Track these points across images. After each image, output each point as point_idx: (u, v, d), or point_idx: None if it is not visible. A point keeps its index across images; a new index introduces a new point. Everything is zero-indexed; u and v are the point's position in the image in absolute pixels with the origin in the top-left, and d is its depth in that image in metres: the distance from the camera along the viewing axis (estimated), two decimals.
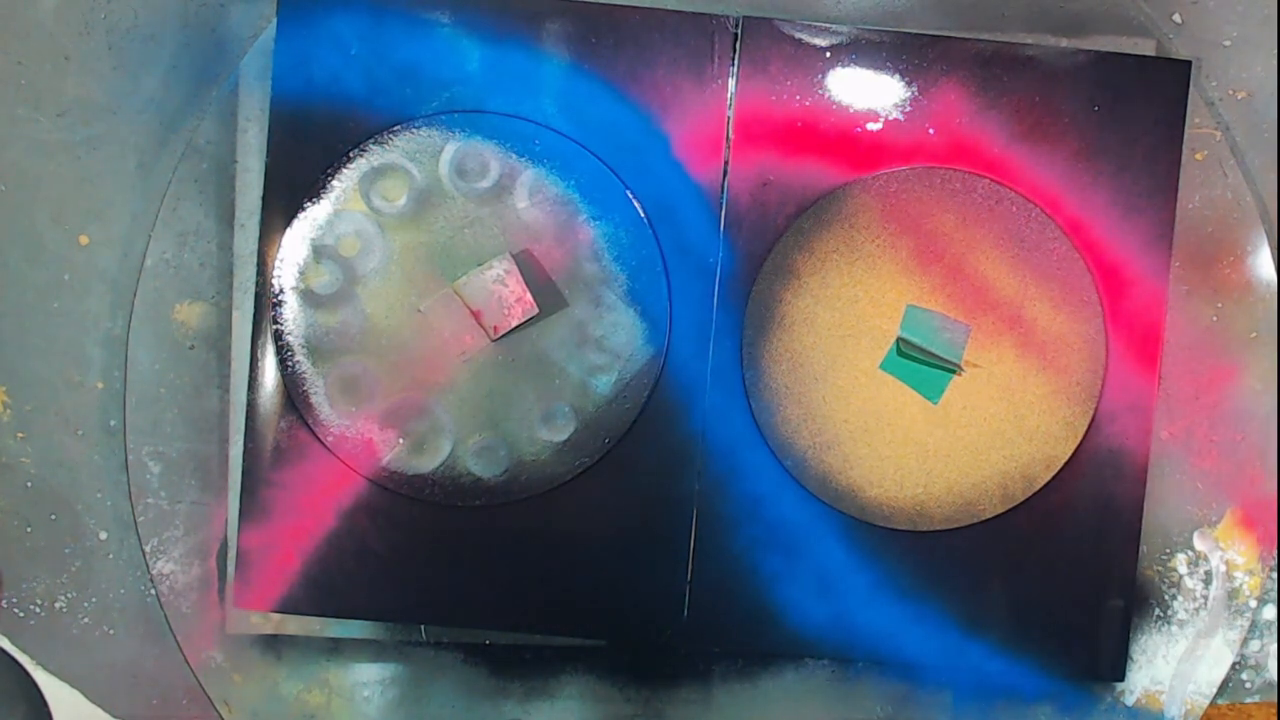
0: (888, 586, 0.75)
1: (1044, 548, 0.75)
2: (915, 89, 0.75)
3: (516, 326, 0.73)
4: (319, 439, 0.75)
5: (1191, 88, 0.75)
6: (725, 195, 0.75)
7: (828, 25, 0.75)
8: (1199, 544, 0.77)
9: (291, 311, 0.75)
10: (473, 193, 0.75)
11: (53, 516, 0.78)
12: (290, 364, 0.75)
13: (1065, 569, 0.75)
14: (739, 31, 0.74)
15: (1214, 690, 0.77)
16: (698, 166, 0.75)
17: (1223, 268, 0.76)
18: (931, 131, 0.75)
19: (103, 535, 0.78)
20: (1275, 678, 0.79)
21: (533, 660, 0.78)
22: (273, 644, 0.77)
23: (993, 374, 0.75)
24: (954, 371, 0.74)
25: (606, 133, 0.75)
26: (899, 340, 0.74)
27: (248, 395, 0.75)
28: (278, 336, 0.75)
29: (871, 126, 0.75)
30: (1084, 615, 0.75)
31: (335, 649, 0.78)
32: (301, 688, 0.78)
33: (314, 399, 0.75)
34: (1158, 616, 0.77)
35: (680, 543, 0.75)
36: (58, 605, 0.78)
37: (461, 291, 0.73)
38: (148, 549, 0.77)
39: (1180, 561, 0.77)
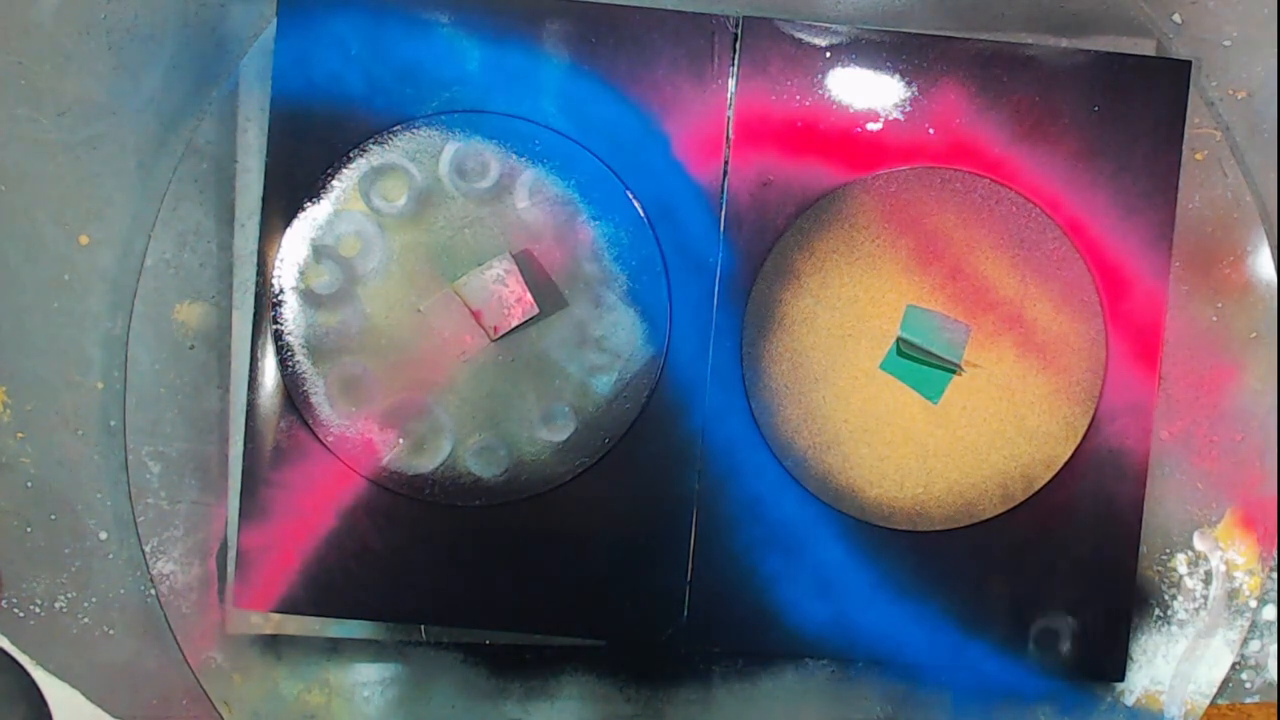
0: (888, 586, 0.75)
1: (1044, 548, 0.75)
2: (915, 89, 0.75)
3: (516, 326, 0.73)
4: (319, 439, 0.75)
5: (1191, 88, 0.75)
6: (725, 195, 0.75)
7: (828, 25, 0.75)
8: (1199, 544, 0.77)
9: (291, 311, 0.75)
10: (473, 193, 0.75)
11: (53, 516, 0.78)
12: (290, 364, 0.75)
13: (1065, 569, 0.75)
14: (739, 31, 0.74)
15: (1214, 690, 0.77)
16: (698, 166, 0.75)
17: (1223, 268, 0.76)
18: (931, 131, 0.75)
19: (103, 535, 0.78)
20: (1275, 678, 0.79)
21: (533, 660, 0.78)
22: (273, 644, 0.77)
23: (993, 374, 0.75)
24: (954, 371, 0.74)
25: (606, 133, 0.75)
26: (899, 340, 0.74)
27: (248, 395, 0.75)
28: (278, 336, 0.75)
29: (871, 126, 0.75)
30: (1084, 615, 0.75)
31: (335, 649, 0.78)
32: (301, 688, 0.78)
33: (314, 399, 0.75)
34: (1158, 616, 0.77)
35: (680, 543, 0.75)
36: (58, 605, 0.78)
37: (461, 291, 0.73)
38: (148, 549, 0.77)
39: (1180, 561, 0.77)
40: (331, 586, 0.75)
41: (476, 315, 0.73)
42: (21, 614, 0.78)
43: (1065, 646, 0.75)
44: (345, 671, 0.78)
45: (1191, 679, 0.77)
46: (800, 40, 0.75)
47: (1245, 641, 0.78)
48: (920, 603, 0.75)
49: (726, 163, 0.75)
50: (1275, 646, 0.79)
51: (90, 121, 0.77)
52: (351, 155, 0.74)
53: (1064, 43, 0.76)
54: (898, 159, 0.75)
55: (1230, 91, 0.78)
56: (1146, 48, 0.76)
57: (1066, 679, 0.76)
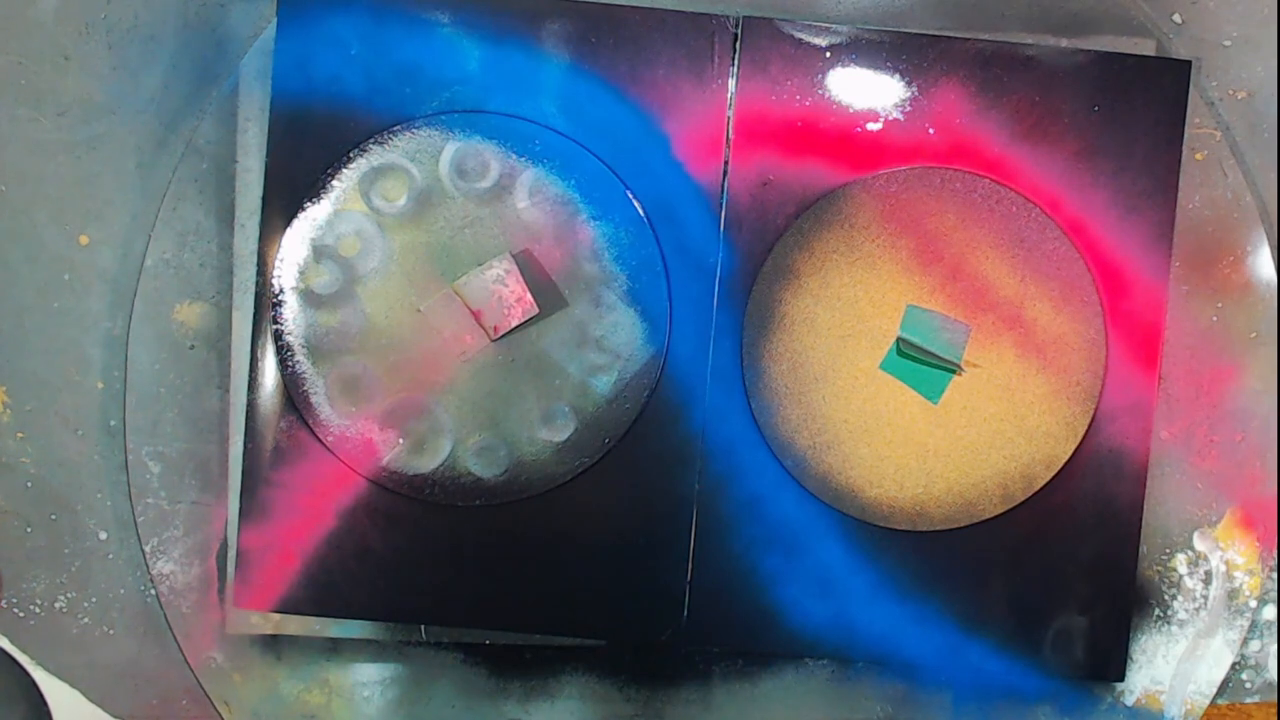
0: (888, 586, 0.75)
1: (1044, 548, 0.75)
2: (915, 89, 0.75)
3: (516, 326, 0.73)
4: (319, 439, 0.75)
5: (1191, 88, 0.75)
6: (725, 195, 0.75)
7: (828, 25, 0.75)
8: (1199, 544, 0.77)
9: (291, 311, 0.75)
10: (473, 193, 0.75)
11: (53, 516, 0.78)
12: (290, 364, 0.75)
13: (1065, 569, 0.75)
14: (739, 31, 0.74)
15: (1214, 690, 0.77)
16: (698, 166, 0.75)
17: (1223, 268, 0.77)
18: (931, 131, 0.75)
19: (103, 535, 0.78)
20: (1275, 678, 0.79)
21: (533, 660, 0.78)
22: (273, 644, 0.77)
23: (993, 374, 0.75)
24: (954, 371, 0.74)
25: (606, 133, 0.75)
26: (899, 340, 0.74)
27: (248, 395, 0.75)
28: (278, 336, 0.75)
29: (871, 126, 0.75)
30: (1084, 615, 0.75)
31: (335, 649, 0.78)
32: (301, 688, 0.78)
33: (314, 399, 0.75)
34: (1158, 616, 0.77)
35: (680, 543, 0.75)
36: (58, 605, 0.78)
37: (461, 291, 0.73)
38: (148, 549, 0.77)
39: (1180, 561, 0.77)
40: (331, 586, 0.75)
41: (476, 315, 0.73)
42: (21, 614, 0.78)
43: (1065, 646, 0.75)
44: (345, 671, 0.78)
45: (1191, 679, 0.77)
46: (800, 40, 0.75)
47: (1245, 641, 0.78)
48: (920, 603, 0.75)
49: (726, 163, 0.75)
50: (1275, 646, 0.79)
51: (90, 121, 0.77)
52: (351, 155, 0.74)
53: (1064, 43, 0.76)
54: (898, 159, 0.75)
55: (1230, 91, 0.78)
56: (1146, 48, 0.76)
57: (1066, 679, 0.76)
